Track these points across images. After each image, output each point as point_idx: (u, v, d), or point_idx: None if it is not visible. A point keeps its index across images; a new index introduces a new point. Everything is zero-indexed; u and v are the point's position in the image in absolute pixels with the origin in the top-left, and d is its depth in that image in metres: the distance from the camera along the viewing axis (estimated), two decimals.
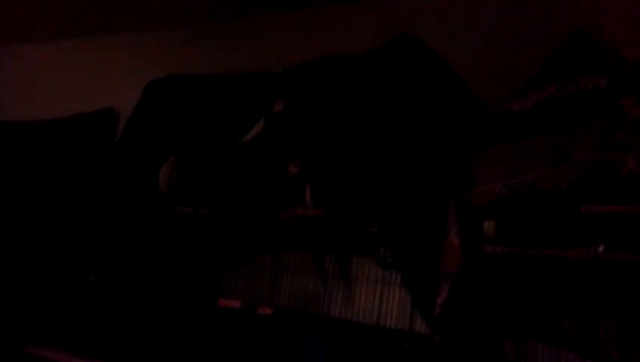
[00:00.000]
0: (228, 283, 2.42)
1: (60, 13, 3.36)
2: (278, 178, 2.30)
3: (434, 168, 1.96)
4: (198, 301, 2.30)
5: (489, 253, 1.92)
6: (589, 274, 1.85)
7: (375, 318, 2.14)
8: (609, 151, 1.75)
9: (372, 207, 2.06)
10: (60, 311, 2.85)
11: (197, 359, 2.21)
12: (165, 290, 2.39)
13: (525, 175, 1.87)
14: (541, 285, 1.91)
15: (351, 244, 2.23)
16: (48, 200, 3.25)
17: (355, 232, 2.14)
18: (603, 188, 1.77)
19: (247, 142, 2.39)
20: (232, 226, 2.35)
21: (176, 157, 2.53)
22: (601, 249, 1.79)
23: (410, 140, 2.02)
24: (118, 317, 2.39)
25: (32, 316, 2.93)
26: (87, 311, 2.48)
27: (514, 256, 1.90)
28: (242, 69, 2.50)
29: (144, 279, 2.41)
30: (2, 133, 3.58)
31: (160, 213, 2.42)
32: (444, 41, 2.21)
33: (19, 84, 3.76)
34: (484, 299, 1.91)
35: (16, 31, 3.68)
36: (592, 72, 1.92)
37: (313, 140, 2.22)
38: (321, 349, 2.07)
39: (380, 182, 2.04)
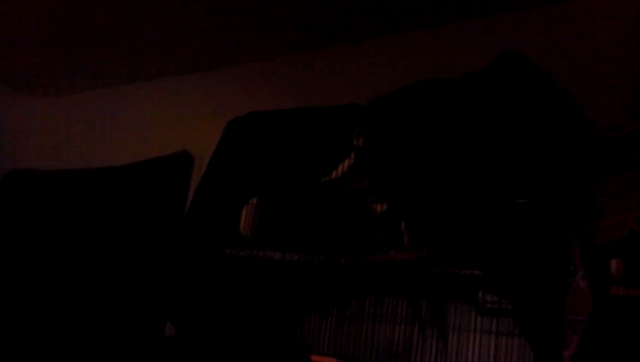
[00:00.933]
0: (315, 335, 2.24)
1: (127, 57, 3.34)
2: (365, 218, 2.12)
3: (552, 201, 1.74)
4: (285, 356, 2.12)
5: (617, 297, 1.68)
6: None
7: None
8: None
9: (478, 247, 1.85)
10: None
11: None
12: (250, 344, 2.22)
13: None
14: None
15: (447, 289, 2.02)
16: (123, 249, 3.19)
17: (454, 276, 1.93)
18: None
19: (333, 180, 2.23)
20: (322, 272, 2.17)
21: (259, 199, 2.38)
22: None
23: (523, 170, 1.80)
24: None
25: None
26: None
27: None
28: (325, 102, 2.35)
29: (228, 331, 2.24)
30: (77, 180, 3.55)
31: (243, 260, 2.26)
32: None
33: (89, 130, 3.73)
34: (614, 350, 1.66)
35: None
36: None
37: (405, 174, 2.03)
38: None
39: (488, 218, 1.83)
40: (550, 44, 2.16)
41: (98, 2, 2.75)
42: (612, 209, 1.69)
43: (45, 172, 3.72)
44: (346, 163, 2.21)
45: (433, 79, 2.04)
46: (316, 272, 2.18)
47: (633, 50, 2.08)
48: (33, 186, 3.73)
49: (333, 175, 2.24)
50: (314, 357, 1.92)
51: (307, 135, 2.32)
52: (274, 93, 2.80)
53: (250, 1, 2.56)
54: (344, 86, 2.55)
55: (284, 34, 2.75)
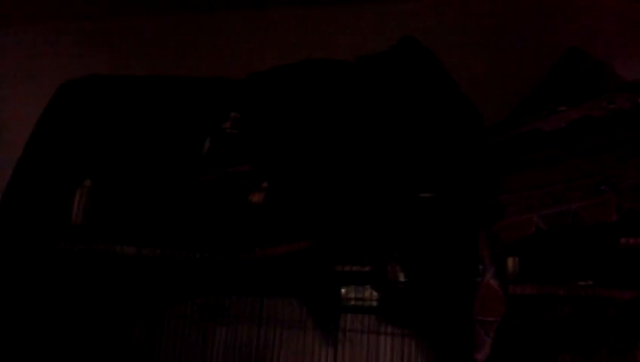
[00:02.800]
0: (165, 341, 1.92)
1: None
2: (239, 208, 1.86)
3: (457, 195, 1.66)
4: None
5: (514, 296, 1.66)
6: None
7: None
8: None
9: (372, 240, 1.71)
10: None
11: None
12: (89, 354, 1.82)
13: (563, 205, 1.62)
14: (574, 329, 1.68)
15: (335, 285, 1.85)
16: None
17: (342, 272, 1.77)
18: None
19: (195, 163, 1.92)
20: (182, 268, 1.85)
21: (93, 181, 1.98)
22: None
23: (423, 161, 1.70)
24: None
25: None
26: None
27: (543, 298, 1.65)
28: (184, 73, 2.02)
29: (62, 341, 1.81)
30: None
31: (79, 254, 1.85)
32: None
33: None
34: (520, 350, 1.63)
35: None
36: (610, 91, 1.76)
37: (289, 159, 1.81)
38: None
39: (384, 209, 1.69)
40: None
41: None
42: (515, 206, 1.66)
43: None
44: (213, 144, 1.92)
45: (324, 59, 1.84)
46: (175, 269, 1.85)
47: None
48: None
49: (194, 158, 1.94)
50: None
51: (163, 108, 1.98)
52: (119, 59, 2.37)
53: None
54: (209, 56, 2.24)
55: None
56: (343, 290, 1.87)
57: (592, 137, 1.67)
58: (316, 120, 1.79)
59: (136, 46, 2.45)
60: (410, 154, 1.72)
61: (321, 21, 2.28)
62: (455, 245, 1.62)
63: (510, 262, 1.68)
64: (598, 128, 1.67)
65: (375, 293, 1.82)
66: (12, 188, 1.88)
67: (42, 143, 1.93)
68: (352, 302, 1.87)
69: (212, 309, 1.94)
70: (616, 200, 1.57)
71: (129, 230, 1.89)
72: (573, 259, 1.65)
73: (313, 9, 2.27)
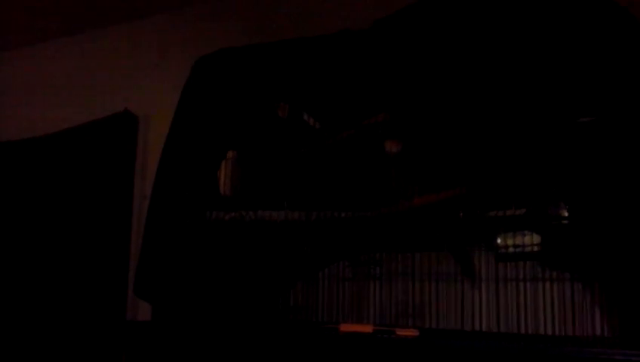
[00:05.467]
0: (327, 302, 1.91)
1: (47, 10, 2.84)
2: (377, 162, 1.80)
3: (622, 115, 1.47)
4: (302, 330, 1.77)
5: None
6: None
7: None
8: None
9: (528, 178, 1.57)
10: None
11: None
12: (250, 321, 1.86)
13: None
14: None
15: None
16: (70, 223, 2.75)
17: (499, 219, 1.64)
18: None
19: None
20: (329, 229, 1.83)
21: (237, 152, 2.01)
22: None
23: (578, 76, 1.52)
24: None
25: None
26: None
27: None
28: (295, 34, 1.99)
29: (223, 308, 1.87)
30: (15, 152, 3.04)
31: (230, 223, 1.90)
32: None
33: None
34: None
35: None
36: None
37: (428, 103, 1.72)
38: None
39: (540, 144, 1.54)
40: None
41: None
42: None
43: None
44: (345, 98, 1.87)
45: None
46: (322, 230, 1.84)
47: None
48: None
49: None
50: (343, 327, 1.58)
51: (292, 69, 1.96)
52: (228, 32, 2.42)
53: None
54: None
55: None
56: (499, 239, 1.76)
57: None
58: (453, 57, 1.68)
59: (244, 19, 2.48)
60: (560, 75, 1.55)
61: None
62: (625, 174, 1.43)
63: None
64: None
65: (535, 238, 1.69)
66: (163, 167, 1.96)
67: (185, 119, 1.99)
68: (511, 250, 1.75)
69: (363, 266, 1.90)
70: None
71: (275, 196, 1.90)
72: None
73: None
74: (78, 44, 3.08)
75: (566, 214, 1.54)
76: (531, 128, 1.54)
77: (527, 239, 1.70)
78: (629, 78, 1.45)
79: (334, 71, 1.89)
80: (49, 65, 3.15)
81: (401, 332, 1.51)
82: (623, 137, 1.43)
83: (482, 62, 1.66)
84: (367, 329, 1.53)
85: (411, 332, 1.51)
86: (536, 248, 1.69)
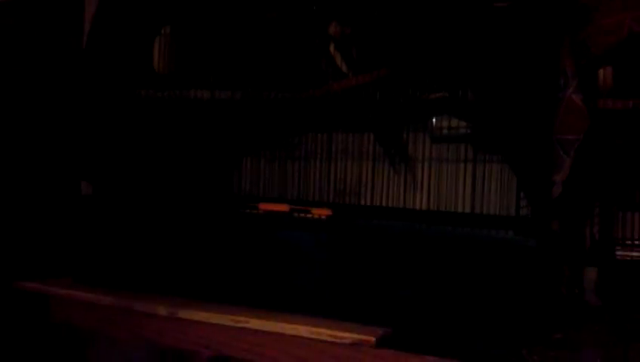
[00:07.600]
0: (255, 181, 1.95)
1: None
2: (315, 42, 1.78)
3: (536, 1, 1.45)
4: (226, 208, 1.83)
5: (605, 110, 1.48)
6: None
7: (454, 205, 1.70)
8: None
9: (446, 63, 1.57)
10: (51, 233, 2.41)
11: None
12: (183, 196, 1.92)
13: None
14: None
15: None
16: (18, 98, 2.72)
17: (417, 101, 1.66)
18: None
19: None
20: (260, 109, 1.84)
21: (172, 27, 1.98)
22: None
23: None
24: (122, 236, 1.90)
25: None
26: (84, 231, 1.98)
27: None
28: None
29: (154, 185, 1.92)
30: None
31: (162, 101, 1.90)
32: None
33: None
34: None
35: None
36: None
37: None
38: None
39: (457, 27, 1.53)
40: None
41: None
42: (605, 7, 1.44)
43: None
44: None
45: None
46: (254, 110, 1.85)
47: None
48: None
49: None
50: (262, 205, 1.64)
51: None
52: None
53: None
54: None
55: None
56: (433, 120, 1.78)
57: None
58: None
59: None
60: None
61: None
62: (533, 56, 1.44)
63: (602, 73, 1.49)
64: None
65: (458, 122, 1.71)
66: (92, 41, 1.93)
67: None
68: (445, 132, 1.78)
69: (284, 147, 1.90)
70: None
71: (204, 75, 1.89)
72: None
73: None
74: None
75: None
76: (453, 11, 1.53)
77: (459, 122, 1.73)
78: None
79: None
80: None
81: (316, 211, 1.57)
82: (531, 21, 1.43)
83: None
84: (284, 208, 1.59)
85: (325, 212, 1.57)
86: (468, 130, 1.73)
